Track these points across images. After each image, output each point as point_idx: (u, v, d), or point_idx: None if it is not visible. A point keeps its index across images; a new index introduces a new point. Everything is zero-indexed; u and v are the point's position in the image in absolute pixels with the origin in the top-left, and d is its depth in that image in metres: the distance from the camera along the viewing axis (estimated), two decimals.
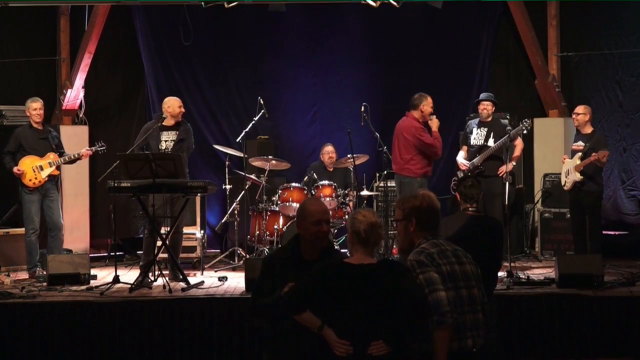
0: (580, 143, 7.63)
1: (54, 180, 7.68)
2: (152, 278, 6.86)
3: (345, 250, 7.93)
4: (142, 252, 7.46)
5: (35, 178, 7.50)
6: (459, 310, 3.64)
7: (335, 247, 7.62)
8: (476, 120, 8.19)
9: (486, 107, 8.05)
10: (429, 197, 3.88)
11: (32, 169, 7.50)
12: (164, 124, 7.37)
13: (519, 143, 8.04)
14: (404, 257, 4.00)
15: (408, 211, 3.83)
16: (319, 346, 3.59)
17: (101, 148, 7.82)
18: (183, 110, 7.49)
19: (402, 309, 3.51)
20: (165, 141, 7.36)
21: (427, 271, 3.63)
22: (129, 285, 6.59)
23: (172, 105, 7.43)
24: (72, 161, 7.73)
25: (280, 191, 8.32)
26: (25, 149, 7.56)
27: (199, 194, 7.85)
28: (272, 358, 4.00)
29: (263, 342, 4.27)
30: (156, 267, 6.88)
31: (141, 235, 8.59)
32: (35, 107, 7.62)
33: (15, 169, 7.44)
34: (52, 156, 7.61)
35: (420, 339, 3.65)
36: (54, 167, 7.60)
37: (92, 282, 6.96)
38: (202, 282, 7.06)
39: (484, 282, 3.94)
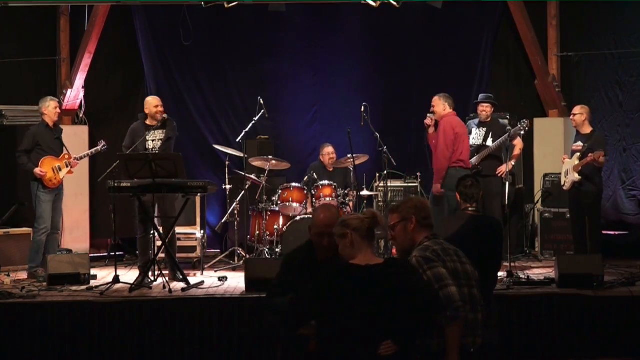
0: (580, 143, 7.63)
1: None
2: (152, 278, 6.86)
3: None
4: None
5: (55, 178, 7.51)
6: None
7: None
8: (476, 121, 8.20)
9: (485, 109, 8.06)
10: (422, 199, 3.97)
11: (53, 169, 7.50)
12: (147, 123, 7.36)
13: (518, 143, 8.04)
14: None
15: (407, 210, 3.87)
16: (330, 346, 3.60)
17: (103, 147, 7.87)
18: (161, 109, 7.39)
19: (413, 307, 3.50)
20: (153, 141, 7.33)
21: (435, 267, 3.66)
22: (129, 285, 6.58)
23: (148, 105, 7.41)
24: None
25: (280, 191, 8.31)
26: (44, 148, 7.54)
27: (198, 194, 7.85)
28: (285, 356, 3.99)
29: (276, 340, 4.26)
30: (156, 267, 6.88)
31: None
32: (55, 106, 7.63)
33: (38, 171, 7.41)
34: (67, 156, 7.63)
35: (426, 336, 3.66)
36: (69, 168, 7.62)
37: (92, 282, 6.95)
38: (202, 282, 7.06)
39: (484, 282, 3.95)
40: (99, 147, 7.93)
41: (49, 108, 7.60)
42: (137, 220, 7.32)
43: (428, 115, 7.69)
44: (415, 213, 3.86)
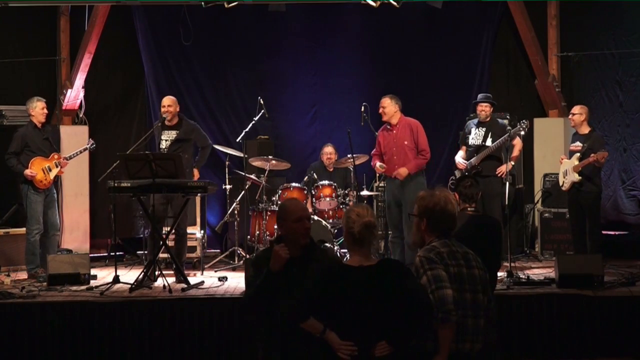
0: (578, 143, 7.62)
1: (55, 181, 7.71)
2: (153, 278, 6.86)
3: (337, 248, 7.94)
4: (142, 252, 7.46)
5: (45, 179, 7.52)
6: (461, 313, 3.64)
7: (326, 244, 7.63)
8: (475, 121, 8.20)
9: (484, 109, 8.06)
10: (444, 199, 3.84)
11: (43, 170, 7.51)
12: (165, 123, 7.39)
13: (517, 143, 8.03)
14: (413, 252, 4.00)
15: (422, 210, 3.85)
16: (311, 342, 3.60)
17: (91, 146, 7.93)
18: (171, 109, 7.42)
19: (405, 309, 3.50)
20: (165, 140, 7.37)
21: (435, 268, 3.64)
22: (129, 285, 6.59)
23: (162, 104, 7.47)
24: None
25: (280, 191, 8.32)
26: (32, 149, 7.55)
27: (198, 194, 7.85)
28: (266, 353, 4.01)
29: (257, 337, 4.28)
30: (156, 267, 6.88)
31: (141, 236, 8.61)
32: (42, 107, 7.63)
33: (28, 172, 7.41)
34: (56, 156, 7.64)
35: (421, 337, 3.66)
36: (59, 168, 7.62)
37: (92, 282, 6.95)
38: (202, 282, 7.06)
39: None
40: (87, 146, 7.93)
41: (36, 109, 7.61)
42: (147, 219, 7.32)
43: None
44: (428, 216, 3.81)
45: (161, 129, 7.40)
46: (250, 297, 4.01)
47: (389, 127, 7.56)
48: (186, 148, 7.38)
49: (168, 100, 7.50)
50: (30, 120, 7.65)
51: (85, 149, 7.96)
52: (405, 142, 7.44)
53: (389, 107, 7.47)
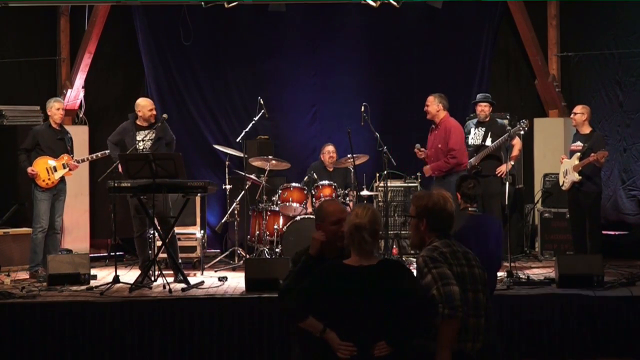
0: (579, 143, 7.63)
1: (64, 182, 7.70)
2: (152, 278, 6.86)
3: None
4: None
5: (49, 179, 7.51)
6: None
7: None
8: (474, 121, 8.21)
9: (483, 109, 8.07)
10: (443, 198, 3.85)
11: (46, 169, 7.50)
12: (138, 123, 7.36)
13: (517, 143, 8.04)
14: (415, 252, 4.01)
15: (420, 210, 3.84)
16: (324, 346, 3.59)
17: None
18: (154, 112, 7.38)
19: (404, 309, 3.50)
20: (143, 141, 7.32)
21: (440, 266, 3.64)
22: (129, 285, 6.58)
23: (142, 108, 7.35)
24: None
25: (280, 191, 8.32)
26: (42, 148, 7.56)
27: (198, 194, 7.84)
28: (303, 353, 3.99)
29: (291, 335, 4.25)
30: (156, 267, 6.88)
31: None
32: (58, 107, 7.63)
33: (29, 170, 7.43)
34: (66, 158, 7.63)
35: (423, 337, 3.66)
36: (67, 169, 7.62)
37: (92, 282, 6.95)
38: (202, 282, 7.05)
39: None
40: (107, 152, 7.88)
41: (52, 109, 7.62)
42: (135, 219, 7.32)
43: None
44: (427, 216, 3.81)
45: (135, 130, 7.34)
46: (287, 284, 3.98)
47: (433, 126, 7.69)
48: (163, 145, 7.35)
49: (152, 104, 7.43)
50: (47, 120, 7.67)
51: (104, 154, 7.88)
52: (439, 146, 7.54)
53: (432, 105, 7.62)
